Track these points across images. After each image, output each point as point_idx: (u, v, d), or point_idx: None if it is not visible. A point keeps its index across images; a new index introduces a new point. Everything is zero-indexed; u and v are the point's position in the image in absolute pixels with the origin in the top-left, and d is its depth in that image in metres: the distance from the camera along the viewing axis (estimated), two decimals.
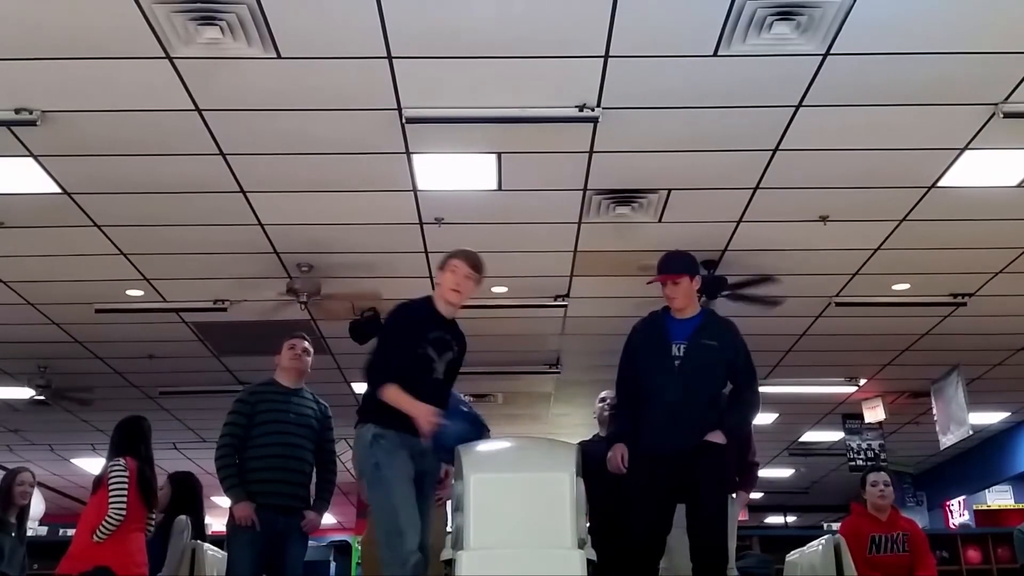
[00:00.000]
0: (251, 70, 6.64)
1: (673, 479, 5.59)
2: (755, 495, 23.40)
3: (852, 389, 15.18)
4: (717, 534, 5.63)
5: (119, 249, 9.63)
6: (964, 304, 11.14)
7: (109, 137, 7.50)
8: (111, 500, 6.71)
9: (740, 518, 8.49)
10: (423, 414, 5.21)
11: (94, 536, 6.67)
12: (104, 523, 6.66)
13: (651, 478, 5.62)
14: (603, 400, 7.30)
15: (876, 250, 9.85)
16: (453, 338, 5.62)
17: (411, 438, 5.31)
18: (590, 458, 6.53)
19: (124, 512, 6.70)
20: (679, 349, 5.77)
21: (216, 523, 20.11)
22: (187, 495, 8.03)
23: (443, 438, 5.23)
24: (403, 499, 5.25)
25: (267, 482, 6.66)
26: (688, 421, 5.62)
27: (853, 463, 16.60)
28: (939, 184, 8.39)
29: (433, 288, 6.10)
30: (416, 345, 5.45)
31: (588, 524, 5.24)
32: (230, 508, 6.63)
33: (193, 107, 7.09)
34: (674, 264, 6.00)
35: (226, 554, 6.94)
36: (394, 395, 5.32)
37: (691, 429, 5.60)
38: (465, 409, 5.77)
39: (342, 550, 14.48)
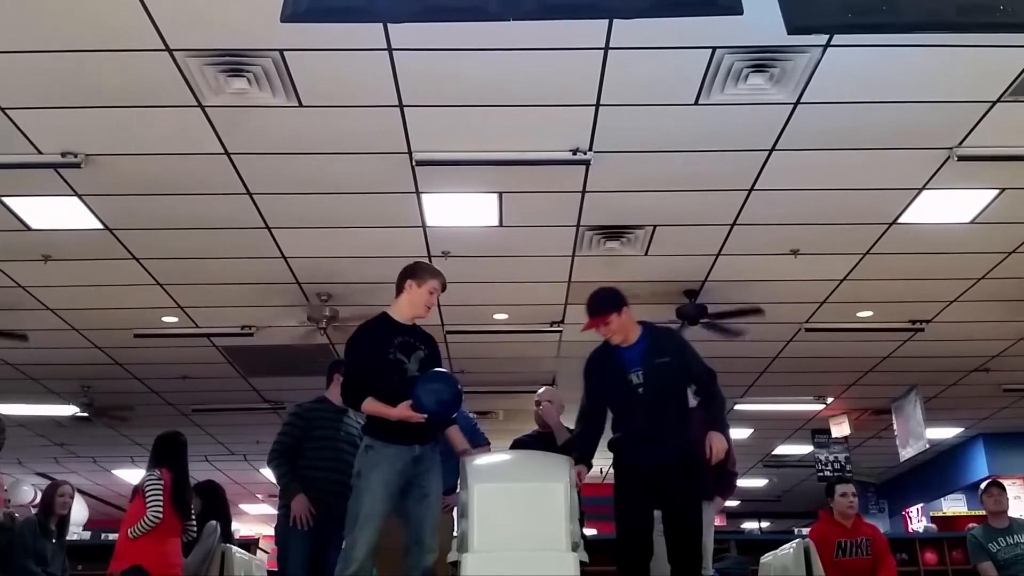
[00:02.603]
0: (275, 117, 6.62)
1: (653, 488, 5.48)
2: (733, 503, 23.36)
3: (820, 407, 15.12)
4: (693, 538, 5.53)
5: (156, 280, 9.60)
6: (922, 330, 11.12)
7: (147, 178, 7.47)
8: (148, 504, 6.80)
9: (717, 524, 8.42)
10: (398, 412, 5.11)
11: (129, 532, 6.75)
12: (141, 522, 6.76)
13: (633, 487, 5.51)
14: (538, 404, 7.21)
15: (842, 281, 9.81)
16: (417, 339, 5.47)
17: (401, 447, 5.19)
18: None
19: (160, 514, 6.77)
20: (638, 376, 5.55)
21: (244, 528, 20.05)
22: (213, 502, 7.99)
23: (421, 406, 5.07)
24: (367, 510, 5.13)
25: (320, 491, 6.53)
26: (662, 438, 5.45)
27: (821, 474, 16.51)
28: (899, 221, 8.37)
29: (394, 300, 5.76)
30: (385, 353, 5.31)
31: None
32: (287, 505, 6.51)
33: (223, 151, 7.07)
34: (597, 307, 5.71)
35: (268, 554, 6.84)
36: (371, 407, 5.21)
37: (667, 444, 5.44)
38: (440, 370, 5.45)
39: None
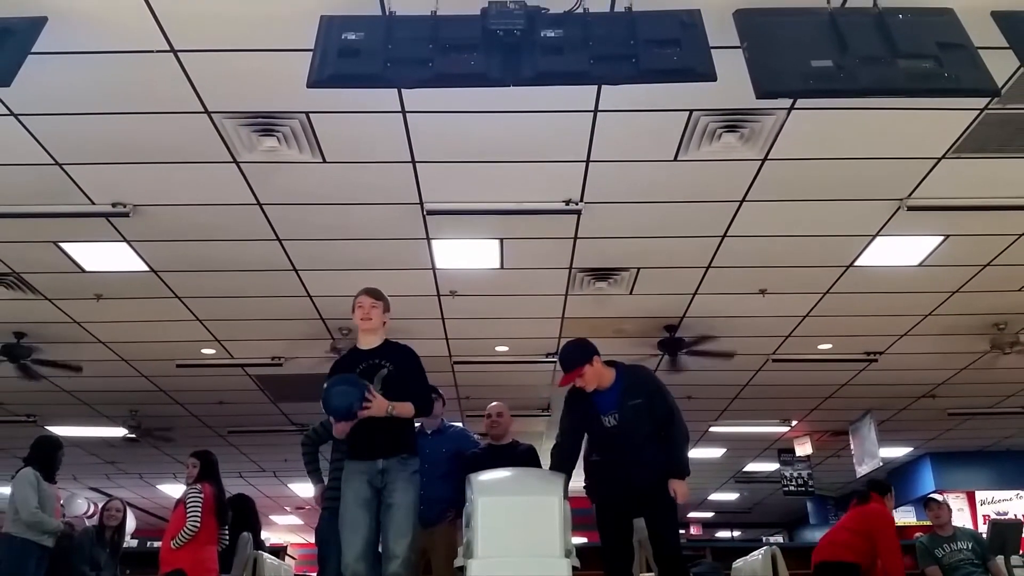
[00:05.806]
0: (302, 172, 6.59)
1: (631, 503, 5.40)
2: (708, 514, 23.22)
3: (785, 429, 15.05)
4: (671, 537, 5.50)
5: (196, 316, 9.56)
6: (875, 360, 11.07)
7: (187, 225, 7.45)
8: (188, 515, 6.83)
9: (694, 532, 8.34)
10: (337, 432, 5.24)
11: (172, 543, 6.74)
12: (181, 533, 6.80)
13: (613, 505, 5.45)
14: (489, 416, 6.87)
15: (805, 317, 9.76)
16: (382, 358, 5.31)
17: (365, 462, 5.10)
18: (476, 461, 6.29)
19: (198, 524, 6.80)
20: (613, 418, 5.32)
21: (274, 537, 19.89)
22: (244, 513, 7.94)
23: (328, 407, 5.06)
24: (345, 521, 5.06)
25: None
26: (636, 470, 5.30)
27: (786, 488, 16.59)
28: (856, 264, 8.34)
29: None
30: None
31: None
32: (327, 508, 6.22)
33: (255, 201, 7.05)
34: (569, 363, 5.34)
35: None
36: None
37: (641, 474, 5.30)
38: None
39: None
